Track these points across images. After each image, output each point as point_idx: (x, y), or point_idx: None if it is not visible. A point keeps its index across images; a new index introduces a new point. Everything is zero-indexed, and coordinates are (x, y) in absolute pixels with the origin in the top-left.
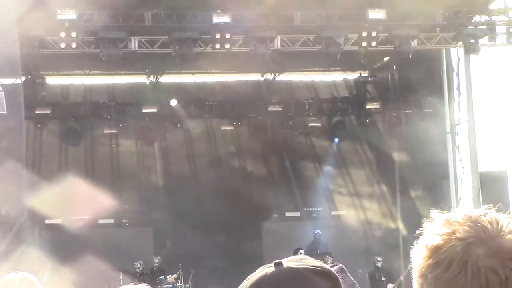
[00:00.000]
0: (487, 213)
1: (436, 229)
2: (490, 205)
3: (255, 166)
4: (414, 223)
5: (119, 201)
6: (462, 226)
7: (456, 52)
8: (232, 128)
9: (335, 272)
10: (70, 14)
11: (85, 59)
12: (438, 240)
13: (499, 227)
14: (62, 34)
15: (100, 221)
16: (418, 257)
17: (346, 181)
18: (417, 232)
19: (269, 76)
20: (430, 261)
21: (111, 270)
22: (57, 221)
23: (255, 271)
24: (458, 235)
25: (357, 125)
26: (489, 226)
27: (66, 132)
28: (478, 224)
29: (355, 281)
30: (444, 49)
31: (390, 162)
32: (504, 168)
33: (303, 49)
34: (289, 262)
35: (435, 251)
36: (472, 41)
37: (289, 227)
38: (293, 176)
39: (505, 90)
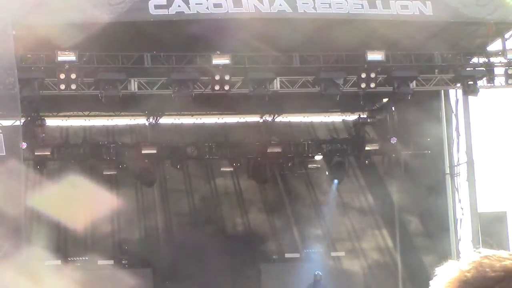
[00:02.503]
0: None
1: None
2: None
3: (254, 207)
4: (414, 264)
5: (118, 242)
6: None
7: (455, 93)
8: (231, 169)
9: None
10: (70, 56)
11: (85, 101)
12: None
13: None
14: (62, 76)
15: (100, 262)
16: None
17: (345, 222)
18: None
19: (268, 118)
20: None
21: None
22: (57, 262)
23: None
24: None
25: (357, 166)
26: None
27: (66, 173)
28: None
29: None
30: (442, 90)
31: (389, 203)
32: (504, 209)
33: (302, 91)
34: None
35: None
36: (471, 82)
37: (289, 269)
38: (292, 217)
39: (503, 131)
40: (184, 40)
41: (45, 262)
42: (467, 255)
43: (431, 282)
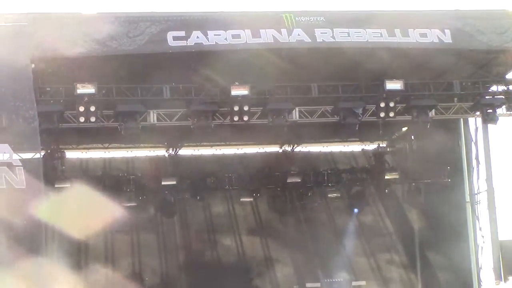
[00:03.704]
0: None
1: None
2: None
3: (275, 237)
4: None
5: (139, 274)
6: None
7: (474, 122)
8: (251, 199)
9: None
10: (89, 89)
11: (104, 133)
12: None
13: None
14: (81, 108)
15: None
16: None
17: (366, 251)
18: None
19: (287, 148)
20: None
21: None
22: None
23: None
24: None
25: (376, 195)
26: None
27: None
28: None
29: None
30: (462, 119)
31: (409, 232)
32: None
33: (321, 120)
34: None
35: None
36: (490, 110)
37: None
38: (312, 247)
39: None
40: (203, 72)
41: None
42: None
43: None
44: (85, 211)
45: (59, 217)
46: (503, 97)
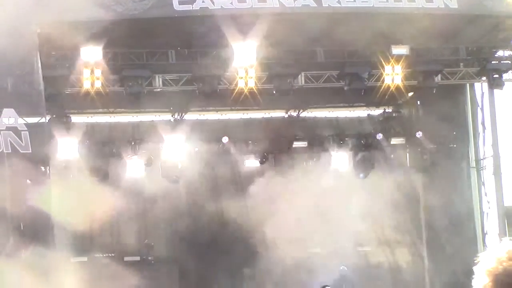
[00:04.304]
0: None
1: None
2: None
3: (280, 201)
4: (440, 258)
5: (144, 238)
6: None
7: (480, 87)
8: (257, 164)
9: None
10: (95, 53)
11: (110, 98)
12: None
13: None
14: (87, 73)
15: (126, 258)
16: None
17: (371, 217)
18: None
19: (293, 113)
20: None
21: None
22: (83, 259)
23: None
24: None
25: (382, 160)
26: None
27: (92, 170)
28: None
29: None
30: (468, 84)
31: (415, 197)
32: None
33: (326, 85)
34: None
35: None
36: (496, 75)
37: (315, 264)
38: (318, 213)
39: None
40: (208, 36)
41: (71, 259)
42: (503, 244)
43: (473, 269)
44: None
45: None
46: (510, 62)
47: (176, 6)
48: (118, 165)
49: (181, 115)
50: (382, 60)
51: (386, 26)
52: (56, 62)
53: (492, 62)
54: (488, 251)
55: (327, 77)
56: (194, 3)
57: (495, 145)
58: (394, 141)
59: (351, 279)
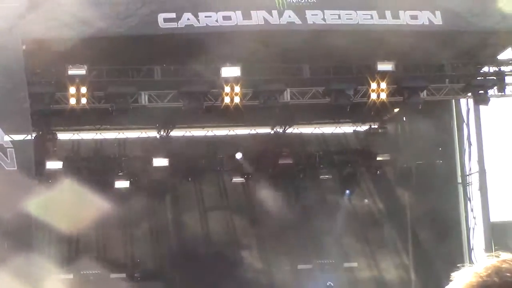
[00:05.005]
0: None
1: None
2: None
3: (266, 218)
4: (427, 274)
5: (130, 255)
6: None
7: (466, 103)
8: (243, 180)
9: None
10: (80, 70)
11: (96, 114)
12: None
13: None
14: (72, 90)
15: (112, 275)
16: None
17: (357, 233)
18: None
19: (279, 129)
20: None
21: None
22: (69, 276)
23: None
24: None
25: (368, 177)
26: None
27: (78, 186)
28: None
29: None
30: (453, 100)
31: (401, 213)
32: None
33: (312, 102)
34: None
35: None
36: (481, 91)
37: (301, 280)
38: (304, 229)
39: None
40: (193, 52)
41: (56, 276)
42: (483, 260)
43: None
44: (75, 203)
45: (49, 210)
46: (495, 78)
47: (161, 23)
48: (105, 182)
49: (167, 132)
50: (368, 77)
51: (371, 42)
52: (42, 79)
53: (478, 78)
54: (465, 268)
55: (312, 93)
56: (179, 21)
57: (481, 161)
58: (380, 157)
59: None
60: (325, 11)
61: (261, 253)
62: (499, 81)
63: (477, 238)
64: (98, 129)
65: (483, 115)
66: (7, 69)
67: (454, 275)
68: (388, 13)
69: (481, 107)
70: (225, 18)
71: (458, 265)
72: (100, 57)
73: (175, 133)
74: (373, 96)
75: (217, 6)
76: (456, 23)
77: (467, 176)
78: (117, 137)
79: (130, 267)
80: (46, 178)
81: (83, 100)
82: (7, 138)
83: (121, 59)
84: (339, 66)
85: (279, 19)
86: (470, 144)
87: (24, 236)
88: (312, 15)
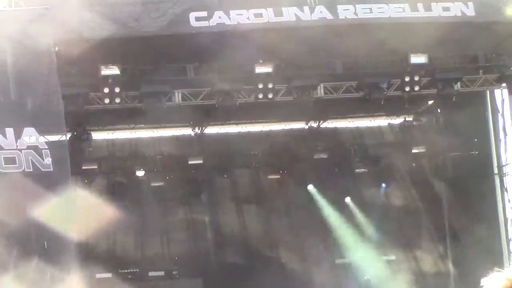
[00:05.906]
0: None
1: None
2: None
3: (303, 214)
4: (465, 266)
5: (168, 253)
6: None
7: (500, 93)
8: (278, 176)
9: None
10: (113, 70)
11: (130, 114)
12: None
13: None
14: (106, 90)
15: (150, 273)
16: None
17: (395, 226)
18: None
19: (313, 124)
20: None
21: None
22: (108, 275)
23: None
24: None
25: (404, 169)
26: None
27: (114, 186)
28: None
29: None
30: (487, 91)
31: (438, 205)
32: None
33: (346, 96)
34: None
35: None
36: None
37: (339, 275)
38: (342, 222)
39: None
40: (226, 50)
41: (96, 275)
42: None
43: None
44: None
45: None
46: None
47: (193, 22)
48: (140, 181)
49: (201, 129)
50: (401, 70)
51: (403, 35)
52: (75, 80)
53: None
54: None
55: (346, 87)
56: (211, 19)
57: None
58: (415, 149)
59: None
60: (356, 5)
61: (298, 249)
62: None
63: None
64: (133, 128)
65: None
66: (41, 70)
67: (484, 280)
68: (420, 6)
69: None
70: (257, 15)
71: (500, 255)
72: (133, 56)
73: (209, 130)
74: (407, 89)
75: (248, 3)
76: (488, 13)
77: (503, 167)
78: (151, 135)
79: (168, 265)
80: (82, 178)
81: (117, 100)
82: (42, 139)
83: (154, 58)
84: (372, 60)
85: (311, 15)
86: (505, 134)
87: (61, 235)
88: (343, 9)
